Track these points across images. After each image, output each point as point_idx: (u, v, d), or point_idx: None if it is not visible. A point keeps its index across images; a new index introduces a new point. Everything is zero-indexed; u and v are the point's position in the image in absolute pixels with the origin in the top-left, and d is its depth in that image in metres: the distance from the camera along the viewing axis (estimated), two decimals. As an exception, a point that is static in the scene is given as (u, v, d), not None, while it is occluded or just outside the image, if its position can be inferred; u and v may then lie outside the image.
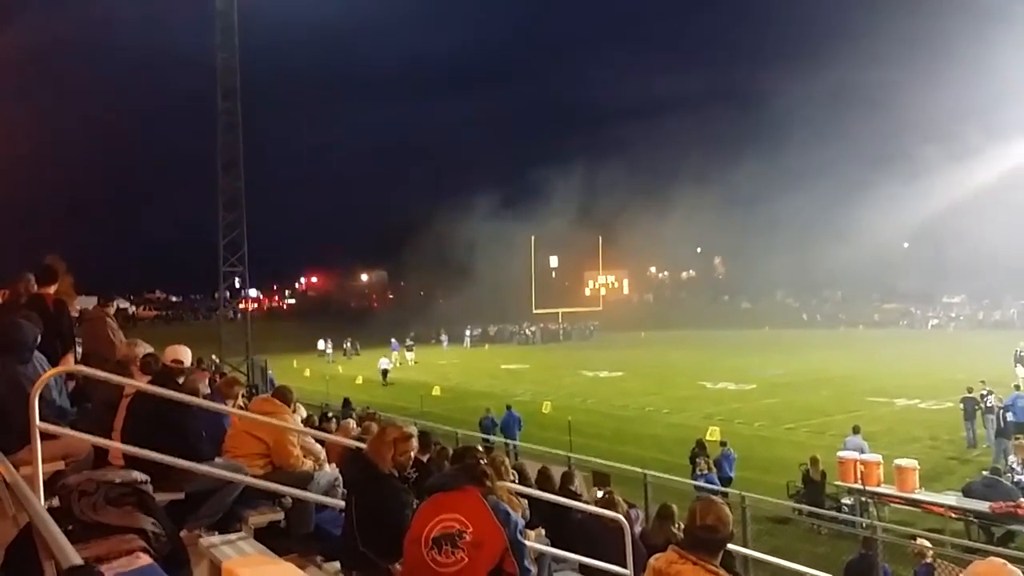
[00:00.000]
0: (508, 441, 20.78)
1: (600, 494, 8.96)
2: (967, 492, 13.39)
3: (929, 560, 9.65)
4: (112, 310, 9.56)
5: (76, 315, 10.30)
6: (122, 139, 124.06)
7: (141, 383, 5.54)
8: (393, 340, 52.39)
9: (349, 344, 59.65)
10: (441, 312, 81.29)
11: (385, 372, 41.43)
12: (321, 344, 58.73)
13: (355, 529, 4.39)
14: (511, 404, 23.16)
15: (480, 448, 4.10)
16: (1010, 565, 2.95)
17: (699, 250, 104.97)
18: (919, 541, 9.80)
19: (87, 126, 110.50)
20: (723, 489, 13.98)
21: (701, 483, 14.27)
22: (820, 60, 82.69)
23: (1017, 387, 19.83)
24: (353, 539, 4.41)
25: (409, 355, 52.48)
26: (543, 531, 6.82)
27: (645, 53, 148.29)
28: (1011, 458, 14.75)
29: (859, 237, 69.66)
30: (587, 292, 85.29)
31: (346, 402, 23.37)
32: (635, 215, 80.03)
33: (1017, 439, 15.57)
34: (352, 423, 11.67)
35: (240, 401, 7.65)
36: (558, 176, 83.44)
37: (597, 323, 75.69)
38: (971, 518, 12.89)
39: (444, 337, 66.60)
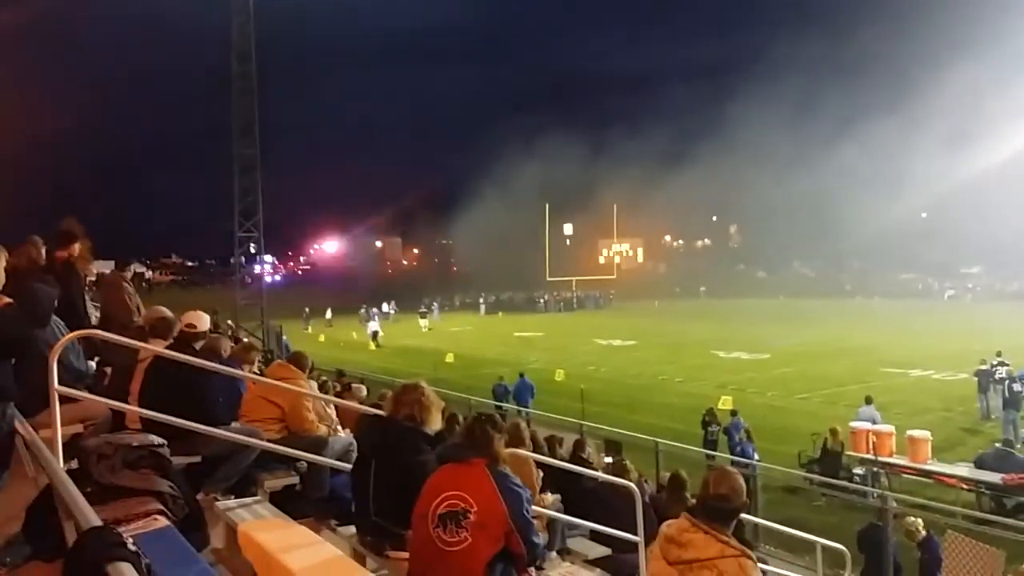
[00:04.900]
0: (520, 408, 20.90)
1: (609, 461, 9.01)
2: (979, 463, 13.40)
3: (923, 535, 9.52)
4: (129, 275, 9.62)
5: (93, 279, 10.39)
6: (139, 104, 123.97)
7: (159, 348, 5.58)
8: (372, 309, 53.05)
9: (364, 311, 59.38)
10: (455, 279, 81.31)
11: (375, 334, 44.81)
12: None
13: (373, 481, 4.30)
14: (524, 371, 23.28)
15: (495, 416, 3.94)
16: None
17: (715, 219, 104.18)
18: (909, 519, 9.67)
19: (104, 91, 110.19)
20: (733, 457, 14.06)
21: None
22: (840, 26, 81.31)
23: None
24: (377, 495, 4.29)
25: (423, 322, 52.58)
26: (559, 496, 6.87)
27: (662, 18, 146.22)
28: (1024, 431, 14.72)
29: (877, 207, 68.95)
30: (601, 260, 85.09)
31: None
32: (650, 183, 79.53)
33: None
34: (364, 389, 11.80)
35: (256, 367, 7.71)
36: (573, 144, 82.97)
37: (614, 292, 75.51)
38: (983, 489, 12.91)
39: (435, 306, 61.77)
